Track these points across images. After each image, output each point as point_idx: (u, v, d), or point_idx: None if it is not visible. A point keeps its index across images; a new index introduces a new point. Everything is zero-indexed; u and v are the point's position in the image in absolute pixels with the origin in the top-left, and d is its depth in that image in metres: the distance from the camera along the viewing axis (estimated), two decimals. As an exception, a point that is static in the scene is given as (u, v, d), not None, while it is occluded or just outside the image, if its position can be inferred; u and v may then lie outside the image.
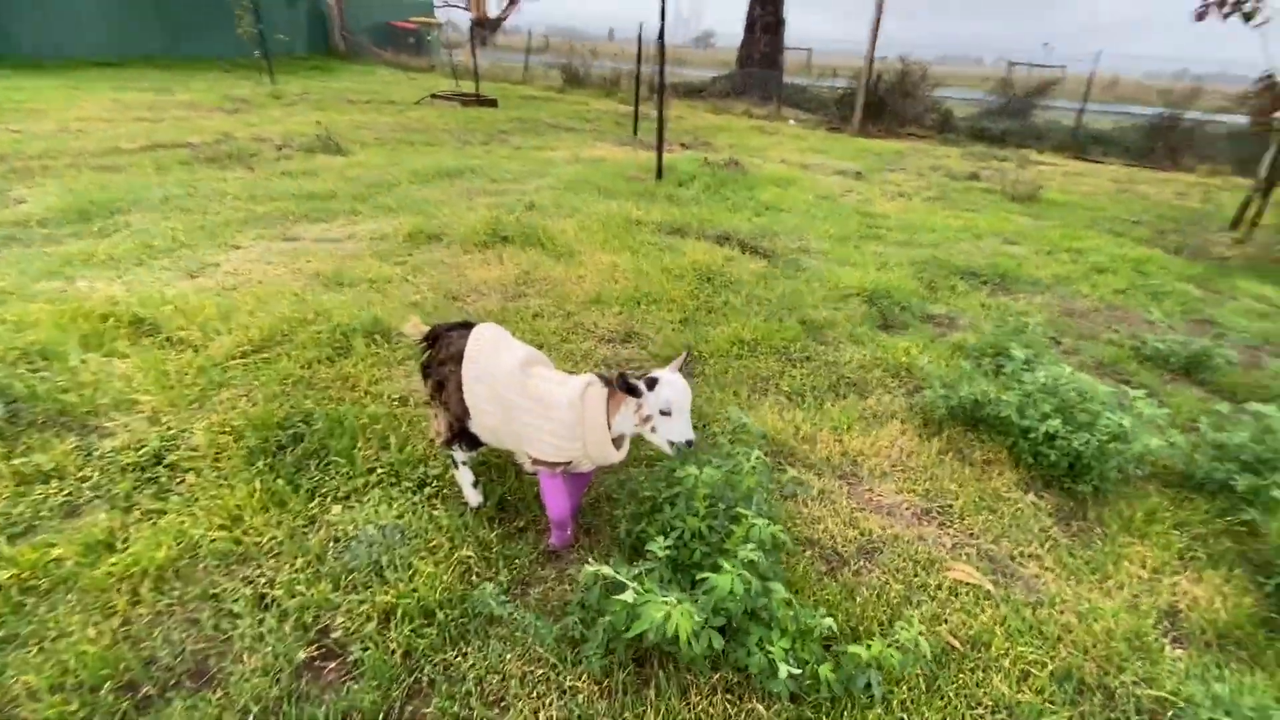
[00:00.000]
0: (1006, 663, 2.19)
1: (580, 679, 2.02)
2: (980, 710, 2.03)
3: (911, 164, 12.79)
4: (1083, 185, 11.94)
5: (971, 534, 2.84)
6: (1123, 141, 15.99)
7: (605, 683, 2.01)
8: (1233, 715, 1.91)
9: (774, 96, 20.02)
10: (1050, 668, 2.19)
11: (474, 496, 2.71)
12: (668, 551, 2.02)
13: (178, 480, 2.72)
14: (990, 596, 2.46)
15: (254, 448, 2.88)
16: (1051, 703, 2.07)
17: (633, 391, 2.23)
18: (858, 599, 2.40)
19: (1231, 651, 2.35)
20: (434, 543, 2.49)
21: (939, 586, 2.51)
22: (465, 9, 22.16)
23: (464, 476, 2.71)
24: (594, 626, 2.04)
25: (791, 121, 18.24)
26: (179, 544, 2.40)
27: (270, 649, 2.04)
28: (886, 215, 8.23)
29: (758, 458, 2.28)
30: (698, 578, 1.97)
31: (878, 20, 16.62)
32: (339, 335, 3.89)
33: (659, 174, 8.91)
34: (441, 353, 2.54)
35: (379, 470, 2.85)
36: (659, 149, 8.93)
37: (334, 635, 2.12)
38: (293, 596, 2.23)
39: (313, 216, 6.54)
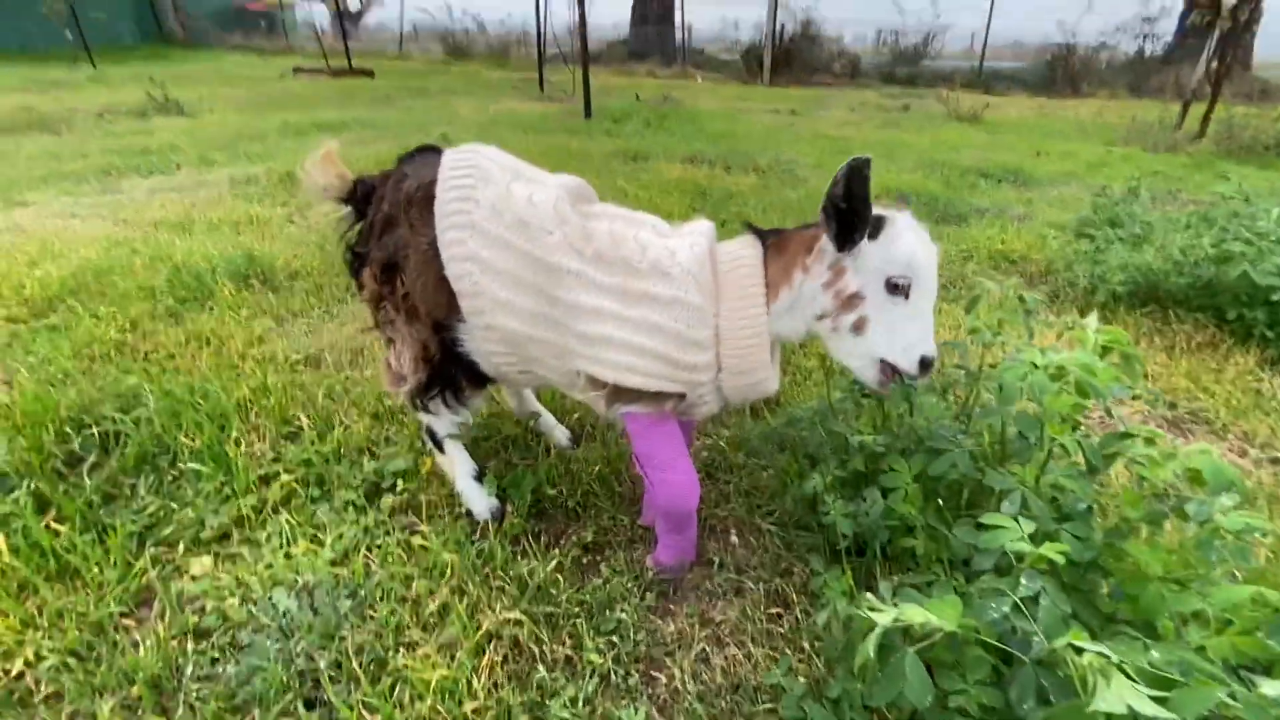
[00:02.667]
0: None
1: None
2: None
3: (838, 103, 12.17)
4: (1008, 112, 11.76)
5: (1260, 443, 1.85)
6: (1023, 77, 16.27)
7: None
8: None
9: (677, 55, 19.12)
10: None
11: (480, 500, 1.41)
12: (1057, 548, 0.83)
13: None
14: None
15: (11, 467, 1.42)
16: None
17: (845, 235, 1.03)
18: (1219, 575, 1.32)
19: None
20: (424, 610, 1.17)
21: (1319, 529, 1.47)
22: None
23: (458, 463, 1.41)
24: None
25: (699, 79, 17.40)
26: None
27: None
28: (848, 137, 7.38)
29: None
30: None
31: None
32: (188, 281, 2.39)
33: (587, 111, 7.63)
34: (384, 203, 1.23)
35: (284, 477, 1.47)
36: (585, 83, 7.65)
37: None
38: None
39: (145, 170, 4.77)
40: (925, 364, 1.07)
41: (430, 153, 1.28)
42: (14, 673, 1.05)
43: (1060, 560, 0.80)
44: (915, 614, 0.78)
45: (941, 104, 11.00)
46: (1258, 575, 1.25)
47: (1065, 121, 10.14)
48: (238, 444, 1.53)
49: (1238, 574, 1.16)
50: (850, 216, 1.02)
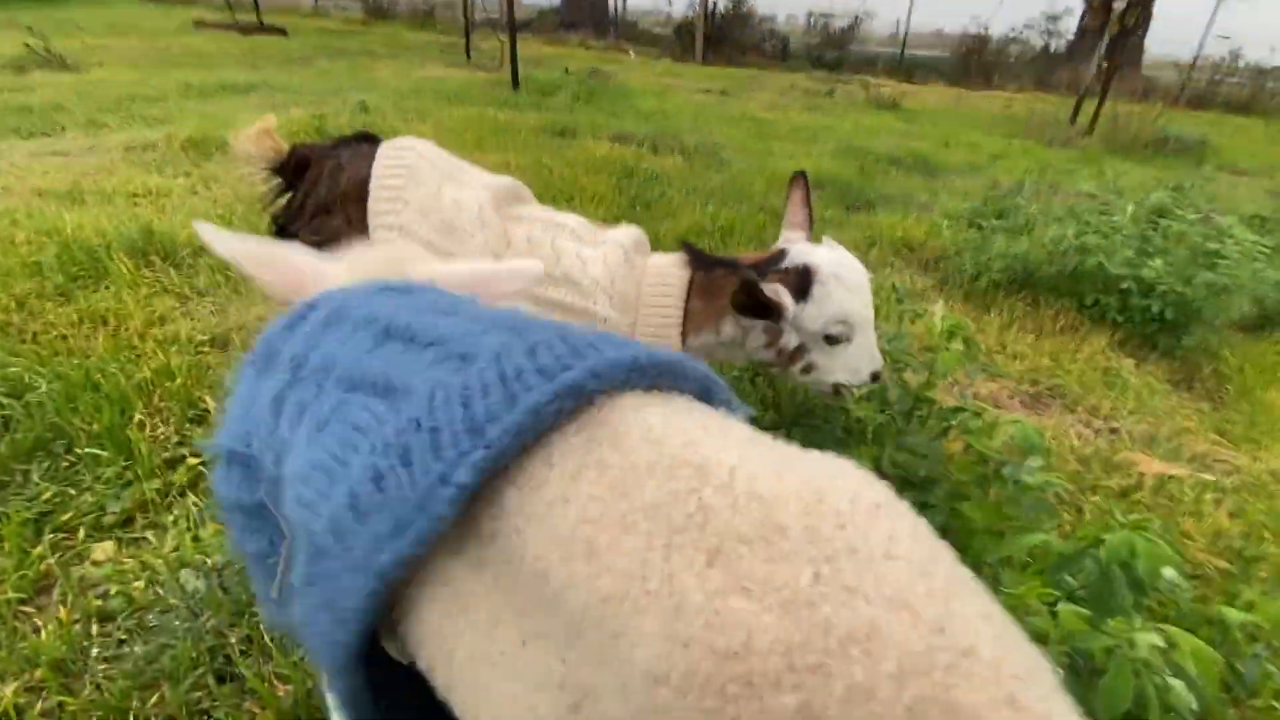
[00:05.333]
0: (1306, 578, 1.46)
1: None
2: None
3: (769, 85, 12.39)
4: (926, 99, 12.30)
5: (1105, 416, 2.12)
6: (941, 67, 17.02)
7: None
8: None
9: (610, 28, 18.84)
10: (1354, 571, 1.49)
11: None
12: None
13: None
14: (1214, 488, 1.73)
15: (-119, 456, 1.36)
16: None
17: (762, 312, 1.10)
18: (1065, 526, 1.54)
19: None
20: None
21: (1140, 488, 1.73)
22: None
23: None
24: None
25: (631, 54, 17.23)
26: None
27: None
28: (774, 120, 7.56)
29: (948, 314, 1.28)
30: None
31: (710, -57, 15.96)
32: (79, 257, 2.26)
33: (515, 82, 7.48)
34: (319, 189, 1.24)
35: (190, 461, 1.47)
36: (513, 54, 7.48)
37: None
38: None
39: (25, 131, 4.38)
40: (874, 376, 1.16)
41: (366, 143, 1.29)
42: (-99, 663, 1.04)
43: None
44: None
45: (864, 91, 11.38)
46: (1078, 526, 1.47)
47: (976, 112, 10.72)
48: (140, 428, 1.51)
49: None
50: (760, 310, 1.08)
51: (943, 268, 3.04)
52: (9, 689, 1.01)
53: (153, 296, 2.15)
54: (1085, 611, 0.78)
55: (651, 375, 0.44)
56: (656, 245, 3.05)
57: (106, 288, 2.17)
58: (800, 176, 1.30)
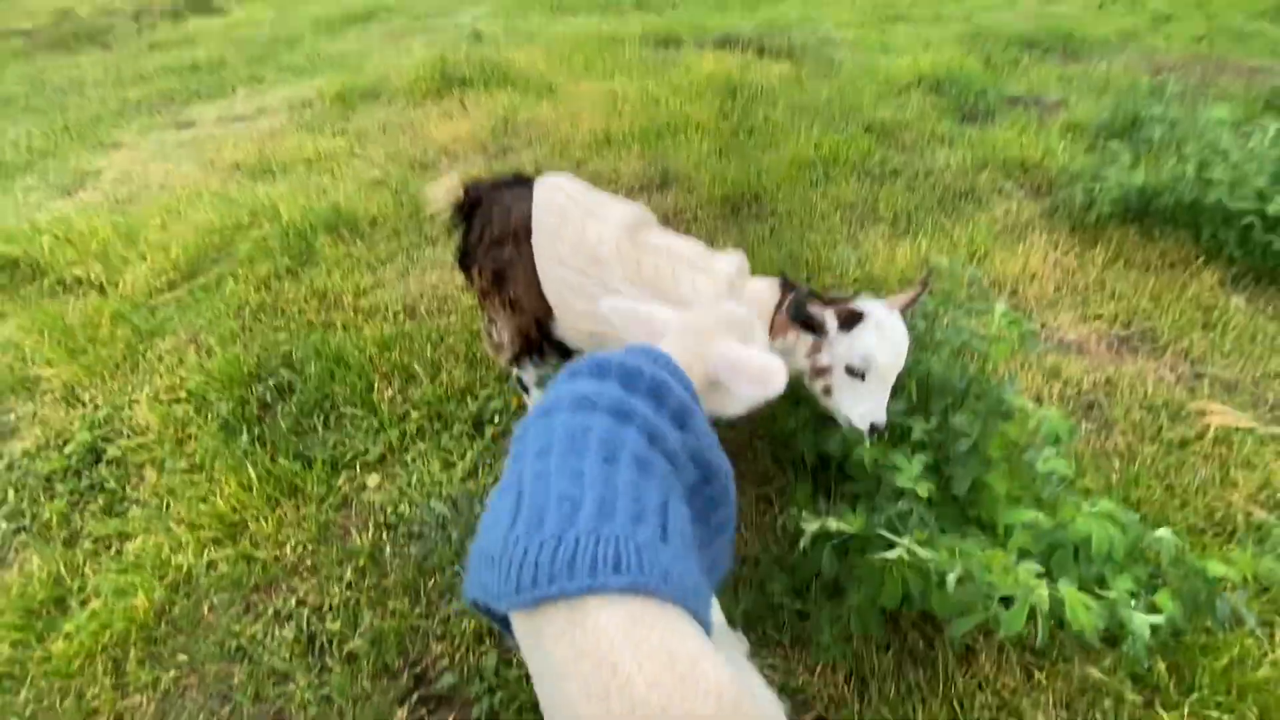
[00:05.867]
0: (1343, 529, 1.63)
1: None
2: (1347, 604, 1.49)
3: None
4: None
5: (1193, 360, 2.21)
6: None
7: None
8: None
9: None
10: (1400, 524, 1.64)
11: (556, 428, 1.95)
12: (926, 486, 1.31)
13: (132, 483, 1.90)
14: (1275, 439, 1.87)
15: (228, 416, 2.03)
16: None
17: (809, 326, 1.40)
18: (1113, 478, 1.79)
19: None
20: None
21: (1201, 438, 1.90)
22: None
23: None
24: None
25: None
26: (163, 580, 1.63)
27: (353, 722, 1.37)
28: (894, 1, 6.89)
29: (1006, 312, 1.51)
30: (1001, 522, 1.29)
31: None
32: (293, 237, 2.87)
33: (617, -21, 7.26)
34: (492, 225, 1.64)
35: (414, 415, 2.04)
36: (612, -55, 7.19)
37: (442, 681, 1.45)
38: (356, 629, 1.52)
39: (205, 93, 5.09)
40: (873, 429, 1.41)
41: (521, 184, 1.66)
42: (281, 556, 1.71)
43: (924, 495, 1.28)
44: (833, 523, 1.29)
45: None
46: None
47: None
48: (379, 392, 2.10)
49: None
50: (807, 323, 1.38)
51: (1054, 195, 2.99)
52: (348, 570, 1.65)
53: (352, 271, 2.73)
54: (1039, 568, 1.11)
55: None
56: (765, 181, 3.21)
57: (317, 265, 2.76)
58: (923, 284, 1.49)
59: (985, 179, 3.21)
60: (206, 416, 2.05)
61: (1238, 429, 1.90)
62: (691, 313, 1.11)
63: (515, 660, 1.47)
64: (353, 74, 4.97)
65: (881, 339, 1.35)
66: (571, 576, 0.67)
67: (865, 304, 1.40)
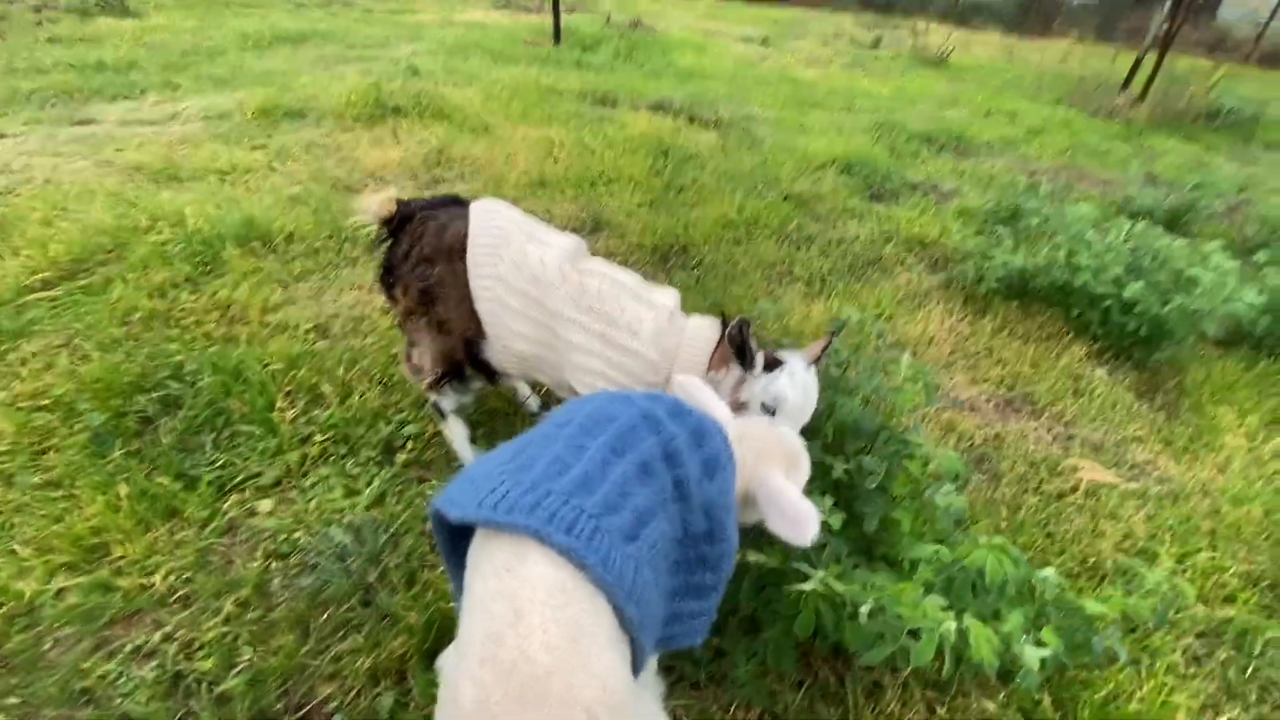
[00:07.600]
0: (1190, 574, 1.83)
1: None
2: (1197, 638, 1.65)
3: (813, 30, 12.05)
4: (976, 52, 11.86)
5: (1066, 422, 2.45)
6: (999, 11, 16.15)
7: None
8: None
9: (652, -41, 18.07)
10: (1233, 569, 1.86)
11: (473, 457, 1.88)
12: (837, 516, 1.36)
13: (-29, 498, 1.65)
14: (1139, 495, 2.08)
15: (100, 428, 1.82)
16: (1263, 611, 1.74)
17: (740, 355, 1.47)
18: (1001, 525, 1.92)
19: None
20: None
21: (1074, 491, 2.09)
22: None
23: (456, 431, 1.86)
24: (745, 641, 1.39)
25: (675, -12, 16.63)
26: (-3, 610, 1.41)
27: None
28: (814, 83, 7.55)
29: (912, 364, 1.63)
30: (912, 556, 1.34)
31: None
32: (199, 246, 2.69)
33: (557, 37, 7.55)
34: (422, 243, 1.60)
35: (318, 438, 1.91)
36: (555, 6, 7.51)
37: (327, 723, 1.31)
38: (231, 668, 1.36)
39: (109, 93, 4.75)
40: None
41: (457, 205, 1.64)
42: (148, 585, 1.52)
43: (836, 526, 1.33)
44: (752, 556, 1.31)
45: (911, 38, 11.02)
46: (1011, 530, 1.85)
47: (1027, 68, 10.36)
48: (280, 411, 1.95)
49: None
50: (742, 354, 1.47)
51: (949, 269, 3.30)
52: (227, 602, 1.49)
53: (261, 285, 2.57)
54: (942, 600, 1.17)
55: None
56: (692, 233, 3.34)
57: (221, 276, 2.59)
58: (832, 334, 1.62)
59: (890, 251, 3.50)
60: (73, 427, 1.82)
61: (1104, 485, 2.10)
62: (754, 424, 1.15)
63: (412, 703, 1.36)
64: (279, 91, 4.81)
65: (794, 384, 1.45)
66: (528, 516, 0.72)
67: (786, 354, 1.49)
